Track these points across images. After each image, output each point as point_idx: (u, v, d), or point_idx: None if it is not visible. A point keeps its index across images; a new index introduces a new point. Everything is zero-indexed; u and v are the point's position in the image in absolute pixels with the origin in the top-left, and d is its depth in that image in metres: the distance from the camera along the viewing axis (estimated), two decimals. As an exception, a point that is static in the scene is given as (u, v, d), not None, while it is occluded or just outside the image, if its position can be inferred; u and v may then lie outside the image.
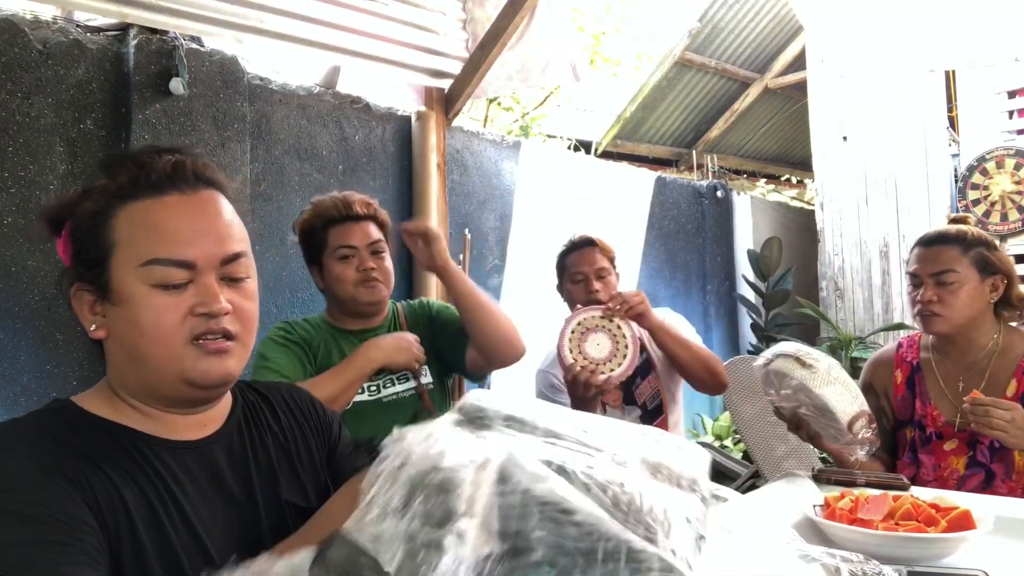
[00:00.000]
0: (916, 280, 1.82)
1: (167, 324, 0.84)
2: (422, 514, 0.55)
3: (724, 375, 2.32)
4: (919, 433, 1.85)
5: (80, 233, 0.87)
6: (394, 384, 1.90)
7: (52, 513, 0.73)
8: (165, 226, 0.86)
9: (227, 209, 0.91)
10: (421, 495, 0.56)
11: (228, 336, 0.88)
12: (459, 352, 1.94)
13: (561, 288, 2.41)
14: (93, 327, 0.88)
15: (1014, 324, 1.85)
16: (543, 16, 3.11)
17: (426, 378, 1.95)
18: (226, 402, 0.96)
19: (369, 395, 1.86)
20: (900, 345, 1.96)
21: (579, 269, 2.30)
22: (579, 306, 2.23)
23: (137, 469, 0.83)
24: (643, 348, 2.36)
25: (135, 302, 0.84)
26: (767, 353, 1.77)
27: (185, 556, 0.81)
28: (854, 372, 2.00)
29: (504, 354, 1.91)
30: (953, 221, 1.91)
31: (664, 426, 2.38)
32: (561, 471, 0.59)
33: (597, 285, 2.30)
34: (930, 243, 1.82)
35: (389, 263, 1.94)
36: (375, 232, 1.91)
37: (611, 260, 2.37)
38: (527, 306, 3.61)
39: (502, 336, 1.89)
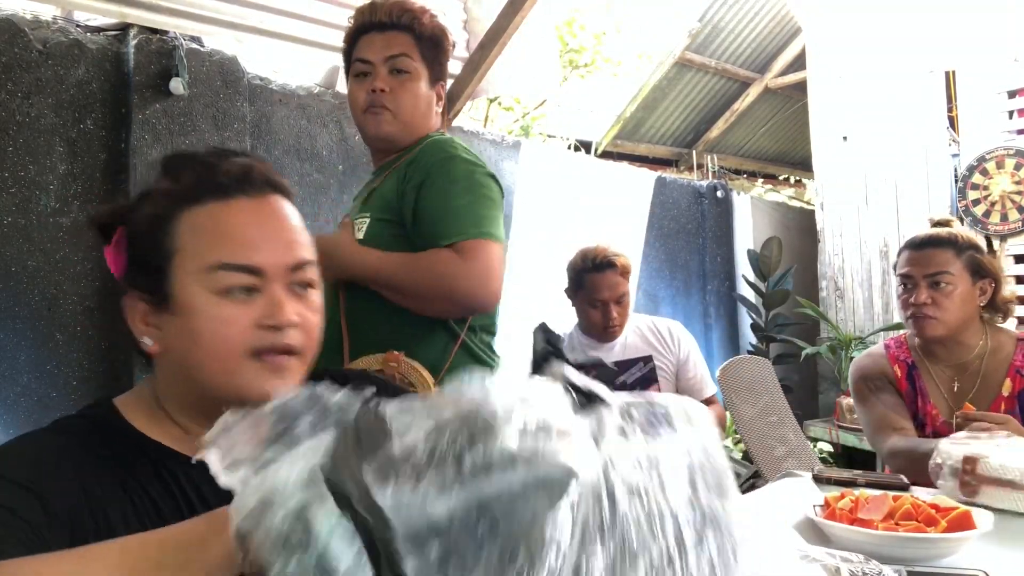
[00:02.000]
0: (909, 282, 1.79)
1: (229, 335, 0.79)
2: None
3: (724, 423, 2.39)
4: (919, 432, 1.83)
5: (138, 238, 0.84)
6: (360, 231, 1.57)
7: (30, 512, 0.71)
8: (233, 231, 0.81)
9: (294, 215, 0.88)
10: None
11: (291, 351, 0.83)
12: (416, 242, 1.50)
13: (572, 296, 2.40)
14: (148, 340, 0.83)
15: (1001, 324, 1.84)
16: (543, 16, 3.12)
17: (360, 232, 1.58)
18: None
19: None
20: (888, 346, 1.91)
21: (600, 296, 2.29)
22: None
23: (165, 494, 0.80)
24: (649, 359, 2.37)
25: (197, 311, 0.80)
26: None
27: None
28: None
29: (445, 310, 1.46)
30: (938, 224, 1.88)
31: None
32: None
33: (615, 312, 2.31)
34: (922, 245, 1.80)
35: (417, 87, 1.54)
36: (401, 44, 1.54)
37: (629, 277, 2.36)
38: (527, 306, 3.61)
39: (429, 297, 1.43)
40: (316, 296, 0.88)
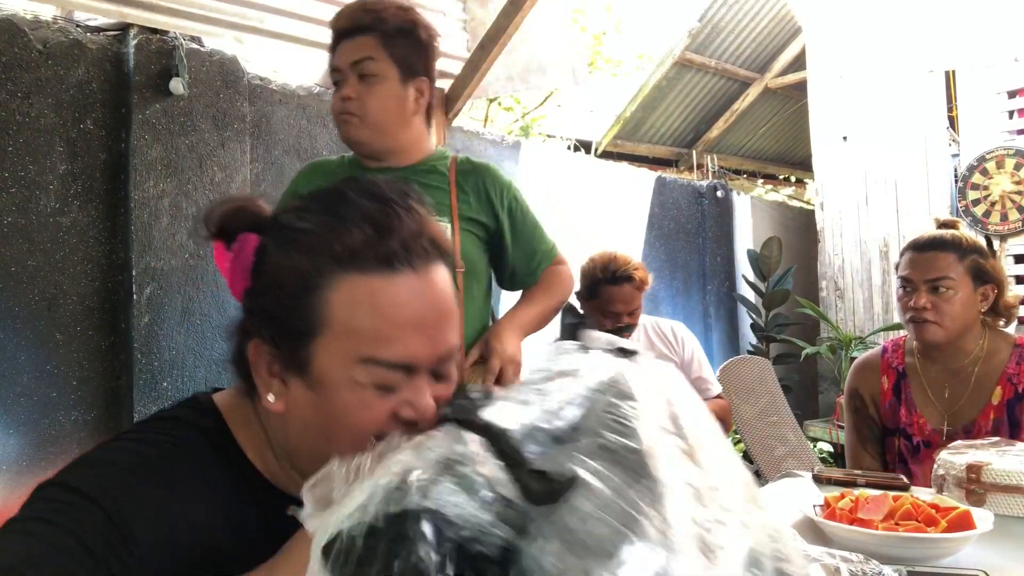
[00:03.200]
0: (910, 285, 1.75)
1: (367, 421, 0.72)
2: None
3: (730, 421, 2.42)
4: (906, 443, 1.81)
5: (278, 289, 0.73)
6: None
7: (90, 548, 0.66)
8: (394, 316, 0.71)
9: (450, 289, 0.77)
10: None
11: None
12: (516, 264, 1.75)
13: (584, 302, 2.40)
14: (271, 398, 0.75)
15: (1003, 329, 1.81)
16: (543, 17, 3.11)
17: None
18: None
19: None
20: (885, 350, 1.90)
21: (614, 308, 2.30)
22: None
23: (267, 531, 0.73)
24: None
25: (340, 396, 0.72)
26: None
27: None
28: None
29: None
30: (943, 225, 1.84)
31: None
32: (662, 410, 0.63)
33: (626, 323, 2.33)
34: (925, 248, 1.76)
35: (385, 89, 1.55)
36: (364, 47, 1.54)
37: (644, 289, 2.36)
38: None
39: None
40: (454, 374, 0.79)
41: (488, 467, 0.51)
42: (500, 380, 1.58)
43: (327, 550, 0.50)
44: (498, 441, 0.51)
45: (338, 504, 0.53)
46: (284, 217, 0.76)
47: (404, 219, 0.73)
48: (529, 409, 0.57)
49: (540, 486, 0.49)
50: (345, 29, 1.56)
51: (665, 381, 0.66)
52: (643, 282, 2.31)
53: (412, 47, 1.58)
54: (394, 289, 0.71)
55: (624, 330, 2.34)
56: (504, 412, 0.56)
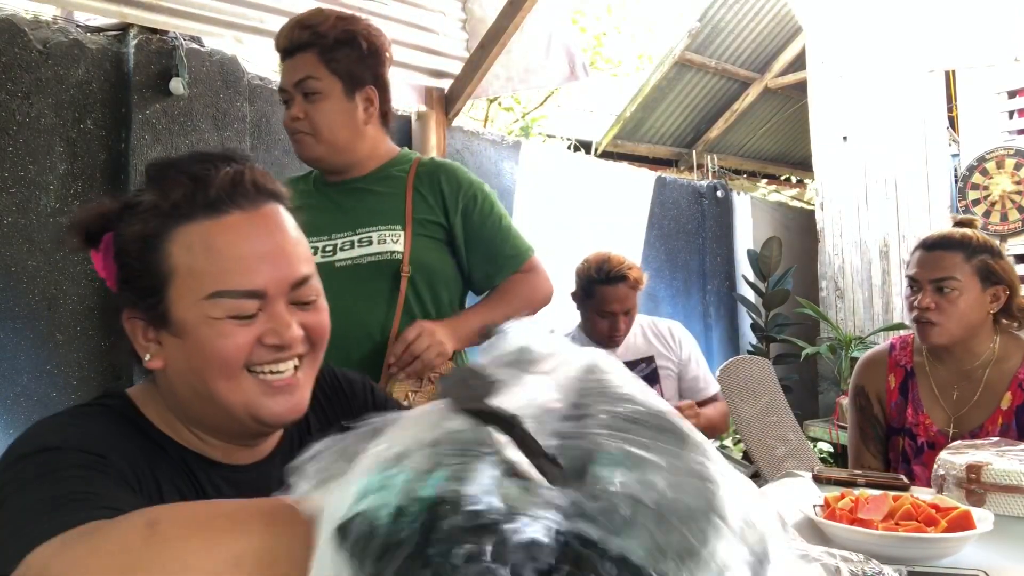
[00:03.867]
0: (915, 285, 1.73)
1: (232, 353, 0.77)
2: (506, 363, 0.60)
3: (728, 420, 2.41)
4: (910, 442, 1.79)
5: (129, 256, 0.80)
6: (352, 248, 1.59)
7: (113, 463, 0.73)
8: (229, 251, 0.77)
9: (291, 225, 0.83)
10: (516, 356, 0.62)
11: (299, 358, 0.82)
12: (473, 267, 1.66)
13: (579, 302, 2.40)
14: (148, 357, 0.81)
15: (1017, 332, 1.77)
16: (543, 16, 3.11)
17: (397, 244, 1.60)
18: None
19: (322, 256, 1.60)
20: (893, 347, 1.87)
21: (610, 308, 2.29)
22: None
23: (189, 486, 0.81)
24: (651, 360, 2.37)
25: (200, 334, 0.77)
26: None
27: None
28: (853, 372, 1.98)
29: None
30: (959, 224, 1.81)
31: None
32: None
33: (622, 324, 2.31)
34: (932, 247, 1.73)
35: (330, 105, 1.54)
36: (304, 66, 1.53)
37: (639, 288, 2.35)
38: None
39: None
40: (321, 300, 0.85)
41: (509, 452, 0.50)
42: (412, 354, 1.48)
43: (343, 531, 0.48)
44: (511, 428, 0.50)
45: (342, 482, 0.51)
46: (125, 201, 0.82)
47: (221, 170, 0.79)
48: (523, 392, 0.57)
49: (558, 471, 0.49)
50: (284, 49, 1.56)
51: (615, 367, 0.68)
52: (637, 282, 2.31)
53: (354, 58, 1.55)
54: (224, 228, 0.78)
55: (615, 338, 2.33)
56: (507, 395, 0.55)
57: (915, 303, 1.72)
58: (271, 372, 0.81)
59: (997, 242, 1.80)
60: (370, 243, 1.56)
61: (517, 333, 0.66)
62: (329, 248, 1.59)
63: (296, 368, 0.82)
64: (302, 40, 1.53)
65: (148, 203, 0.79)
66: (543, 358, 0.61)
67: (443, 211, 1.61)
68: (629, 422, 0.53)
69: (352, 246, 1.57)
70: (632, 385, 0.59)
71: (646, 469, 0.49)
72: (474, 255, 1.64)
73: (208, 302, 0.77)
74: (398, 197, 1.60)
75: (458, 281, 1.67)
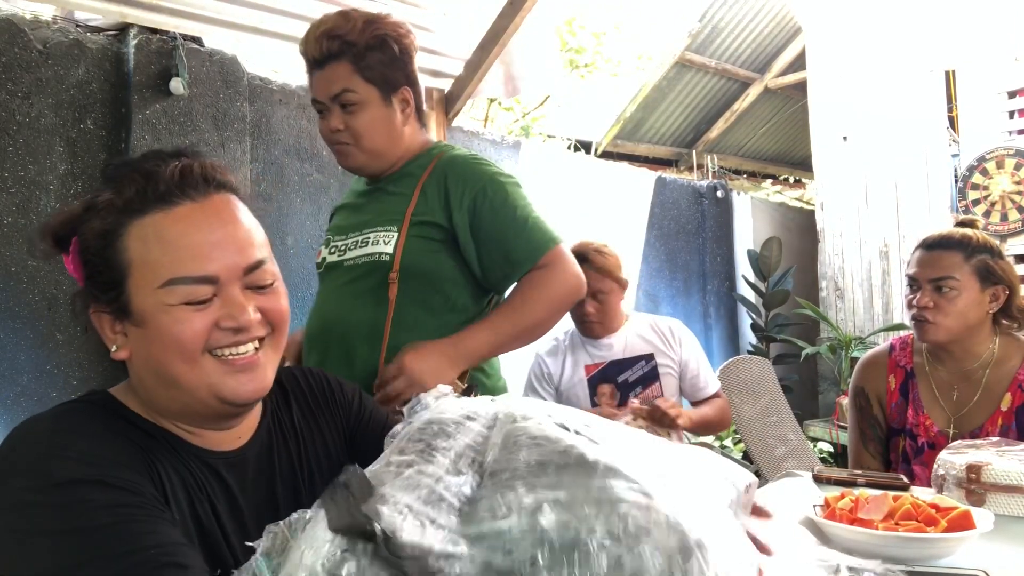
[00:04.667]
0: (914, 284, 1.74)
1: (189, 338, 0.80)
2: (399, 449, 0.68)
3: (729, 418, 2.40)
4: (911, 442, 1.79)
5: (90, 254, 0.83)
6: (356, 248, 1.57)
7: (131, 483, 0.74)
8: (180, 240, 0.81)
9: (243, 212, 0.86)
10: (407, 437, 0.70)
11: (259, 340, 0.85)
12: (488, 267, 1.54)
13: None
14: (115, 348, 0.85)
15: (1018, 333, 1.77)
16: (538, 22, 3.12)
17: (388, 246, 1.54)
18: (257, 408, 0.95)
19: (338, 256, 1.59)
20: (893, 347, 1.87)
21: None
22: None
23: (183, 470, 0.83)
24: (651, 357, 2.37)
25: (158, 322, 0.80)
26: None
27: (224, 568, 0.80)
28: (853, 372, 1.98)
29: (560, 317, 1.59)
30: (960, 223, 1.81)
31: None
32: (559, 423, 0.69)
33: (590, 308, 2.29)
34: (932, 247, 1.73)
35: (369, 114, 1.52)
36: (340, 78, 1.49)
37: (611, 275, 2.33)
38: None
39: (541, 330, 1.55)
40: (277, 286, 0.88)
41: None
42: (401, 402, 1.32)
43: None
44: (376, 538, 0.57)
45: (288, 553, 0.62)
46: (84, 203, 0.85)
47: (171, 164, 0.83)
48: (430, 469, 0.64)
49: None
50: (317, 60, 1.51)
51: (546, 405, 0.74)
52: (602, 266, 2.29)
53: (387, 62, 1.51)
54: (176, 219, 0.81)
55: (587, 323, 2.33)
56: (401, 486, 0.63)
57: (914, 302, 1.72)
58: (231, 353, 0.83)
59: (997, 242, 1.79)
60: (366, 244, 1.54)
61: (429, 407, 0.75)
62: (343, 248, 1.59)
63: (256, 349, 0.85)
64: (332, 50, 1.48)
65: (105, 201, 0.82)
66: (451, 427, 0.69)
67: (445, 210, 1.52)
68: (536, 467, 0.61)
69: (356, 246, 1.56)
70: (547, 424, 0.66)
71: (536, 515, 0.57)
72: (487, 253, 1.51)
73: (163, 290, 0.80)
74: (405, 197, 1.55)
75: (463, 281, 1.55)
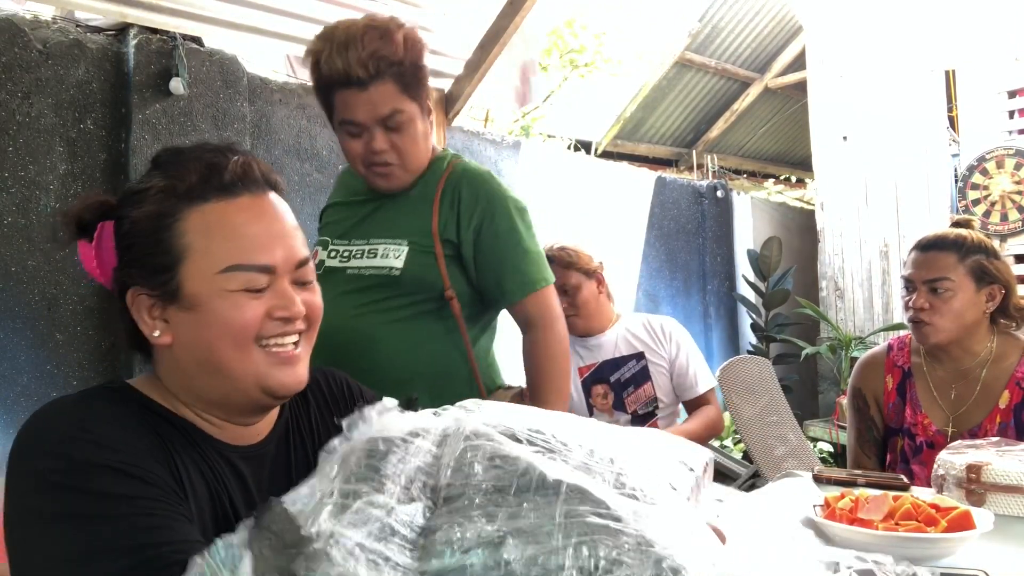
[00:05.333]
0: (910, 286, 1.75)
1: (244, 323, 0.82)
2: (345, 476, 0.64)
3: (721, 427, 2.39)
4: (909, 442, 1.80)
5: (138, 235, 0.83)
6: (363, 257, 1.55)
7: (150, 474, 0.75)
8: (244, 230, 0.84)
9: (290, 213, 0.90)
10: (352, 459, 0.65)
11: (299, 334, 0.88)
12: (481, 287, 1.55)
13: None
14: (157, 333, 0.84)
15: (1016, 332, 1.78)
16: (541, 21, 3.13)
17: (398, 260, 1.52)
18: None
19: (339, 261, 1.58)
20: (891, 348, 1.88)
21: None
22: None
23: (202, 462, 0.84)
24: (641, 356, 2.36)
25: (215, 306, 0.82)
26: None
27: None
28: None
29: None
30: (956, 224, 1.82)
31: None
32: (509, 434, 0.66)
33: (563, 304, 2.29)
34: (927, 248, 1.75)
35: (414, 130, 1.47)
36: (388, 100, 1.43)
37: (574, 266, 2.33)
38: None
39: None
40: (315, 284, 0.92)
41: None
42: None
43: None
44: None
45: None
46: (129, 189, 0.87)
47: (231, 158, 0.85)
48: (378, 500, 0.61)
49: None
50: (360, 80, 1.41)
51: (494, 413, 0.72)
52: (569, 262, 2.30)
53: (422, 72, 1.49)
54: (239, 209, 0.84)
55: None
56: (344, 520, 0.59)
57: (910, 303, 1.74)
58: (276, 345, 0.85)
59: (996, 242, 1.80)
60: (374, 256, 1.53)
61: (371, 421, 0.72)
62: (345, 254, 1.57)
63: (295, 344, 0.88)
64: (380, 71, 1.41)
65: (161, 186, 0.84)
66: (399, 446, 0.66)
67: (456, 225, 1.51)
68: (495, 492, 0.58)
69: (362, 255, 1.54)
70: (500, 440, 0.63)
71: (500, 549, 0.54)
72: (482, 275, 1.53)
73: (223, 275, 0.82)
74: (418, 211, 1.53)
75: (469, 297, 1.56)
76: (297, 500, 0.62)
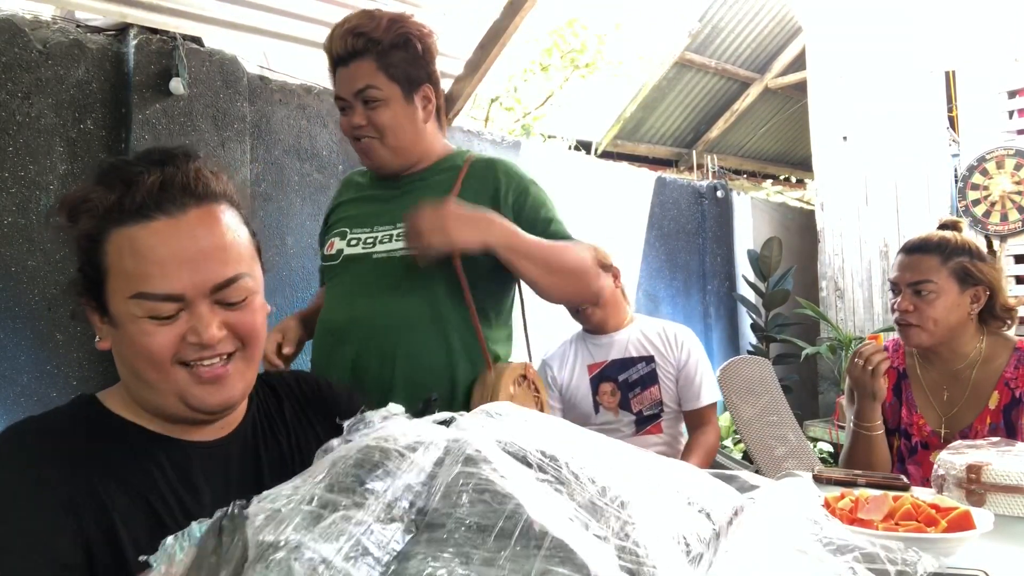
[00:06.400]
0: (896, 288, 1.77)
1: (156, 349, 0.83)
2: (329, 483, 0.60)
3: (715, 453, 2.36)
4: (905, 442, 1.81)
5: (80, 251, 0.87)
6: (391, 241, 1.57)
7: (33, 544, 0.75)
8: (151, 255, 0.82)
9: (220, 227, 0.86)
10: (340, 466, 0.62)
11: (228, 355, 0.86)
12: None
13: None
14: (98, 338, 0.88)
15: (1006, 332, 1.79)
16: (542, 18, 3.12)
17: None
18: (241, 406, 0.96)
19: (363, 248, 1.60)
20: (886, 349, 1.88)
21: None
22: None
23: (146, 478, 0.84)
24: (651, 359, 2.38)
25: (128, 330, 0.83)
26: None
27: None
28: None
29: (574, 294, 1.69)
30: (943, 226, 1.84)
31: (658, 431, 2.39)
32: (520, 456, 0.62)
33: None
34: (911, 251, 1.77)
35: (392, 111, 1.53)
36: (363, 75, 1.50)
37: (602, 264, 2.32)
38: (530, 304, 3.61)
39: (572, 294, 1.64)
40: (251, 301, 0.88)
41: None
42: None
43: None
44: None
45: None
46: (71, 198, 0.87)
47: (152, 174, 0.83)
48: (361, 514, 0.58)
49: None
50: (341, 57, 1.52)
51: (511, 427, 0.67)
52: None
53: (410, 61, 1.54)
54: (149, 233, 0.82)
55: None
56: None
57: (895, 306, 1.76)
58: (199, 365, 0.85)
59: (996, 241, 1.81)
60: (404, 238, 1.51)
61: (373, 425, 0.70)
62: (369, 240, 1.58)
63: (225, 362, 0.87)
64: (357, 47, 1.50)
65: (92, 203, 0.84)
66: (393, 459, 0.62)
67: (492, 201, 1.55)
68: (476, 531, 0.54)
69: (391, 239, 1.55)
70: (501, 469, 0.59)
71: None
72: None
73: (132, 301, 0.82)
74: (445, 192, 1.55)
75: (499, 274, 1.57)
76: (278, 499, 0.60)
